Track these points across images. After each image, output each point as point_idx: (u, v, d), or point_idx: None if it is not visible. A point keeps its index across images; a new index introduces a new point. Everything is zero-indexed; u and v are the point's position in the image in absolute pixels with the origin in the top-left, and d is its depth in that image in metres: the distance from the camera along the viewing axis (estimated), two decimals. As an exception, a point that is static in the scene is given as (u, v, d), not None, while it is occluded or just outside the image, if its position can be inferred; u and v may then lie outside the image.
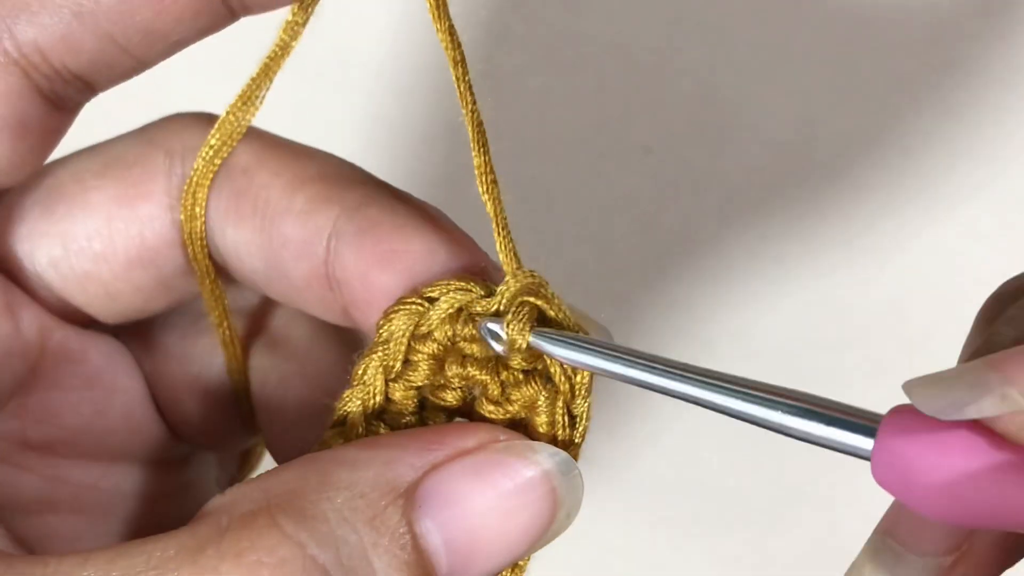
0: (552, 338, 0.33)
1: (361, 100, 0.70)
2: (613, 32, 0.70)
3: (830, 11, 0.70)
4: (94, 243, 0.37)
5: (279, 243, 0.36)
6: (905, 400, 0.29)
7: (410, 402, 0.34)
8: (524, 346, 0.33)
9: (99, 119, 0.39)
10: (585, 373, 0.34)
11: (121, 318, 0.39)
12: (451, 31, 0.33)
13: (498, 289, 0.34)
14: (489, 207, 0.34)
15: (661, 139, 0.69)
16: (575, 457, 0.34)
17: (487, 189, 0.34)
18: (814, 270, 0.69)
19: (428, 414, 0.35)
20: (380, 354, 0.34)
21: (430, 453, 0.31)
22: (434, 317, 0.33)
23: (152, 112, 0.39)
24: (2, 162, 0.35)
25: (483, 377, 0.34)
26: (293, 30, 0.36)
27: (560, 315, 0.33)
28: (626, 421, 0.68)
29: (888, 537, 0.32)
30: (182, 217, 0.37)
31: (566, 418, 0.34)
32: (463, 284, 0.34)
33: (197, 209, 0.36)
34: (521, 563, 0.34)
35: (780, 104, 0.69)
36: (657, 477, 0.68)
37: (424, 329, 0.34)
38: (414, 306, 0.34)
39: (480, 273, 0.35)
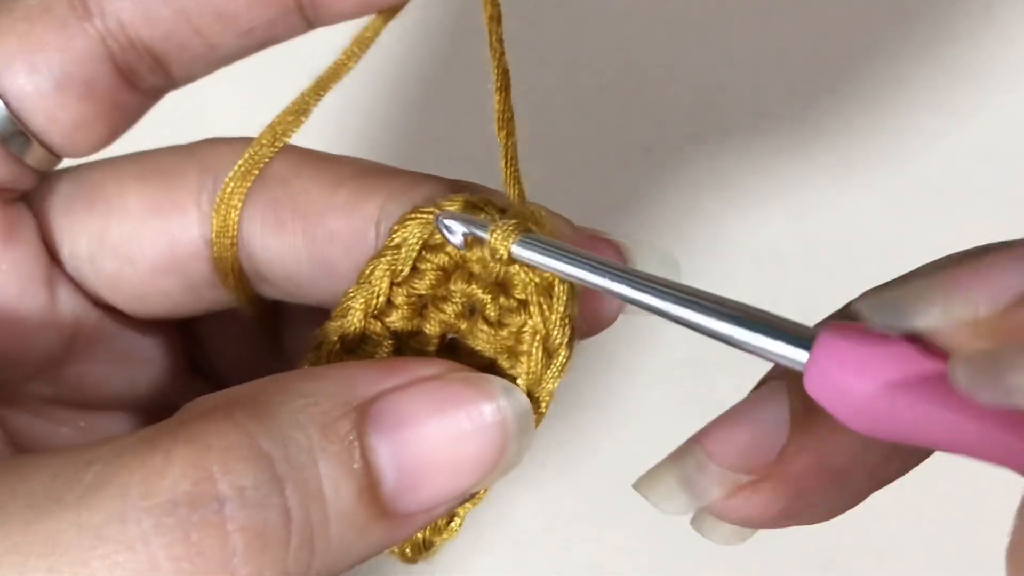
0: (532, 244, 0.33)
1: (360, 99, 0.70)
2: (613, 32, 0.70)
3: (830, 11, 0.70)
4: (125, 246, 0.37)
5: (325, 239, 0.36)
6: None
7: (410, 311, 0.35)
8: (504, 254, 0.33)
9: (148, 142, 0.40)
10: (567, 314, 0.34)
11: (151, 317, 0.40)
12: None
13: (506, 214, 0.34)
14: (501, 141, 0.35)
15: (661, 139, 0.70)
16: (548, 397, 0.34)
17: (503, 125, 0.35)
18: (814, 271, 0.69)
19: (414, 343, 0.36)
20: (389, 257, 0.35)
21: (390, 376, 0.32)
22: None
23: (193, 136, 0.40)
24: (66, 123, 0.36)
25: (484, 296, 0.34)
26: (361, 44, 0.37)
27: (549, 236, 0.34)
28: (626, 420, 0.68)
29: (697, 445, 0.33)
30: (213, 225, 0.37)
31: (540, 352, 0.34)
32: (479, 204, 0.34)
33: (231, 218, 0.37)
34: (479, 493, 0.34)
35: (780, 104, 0.69)
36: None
37: (438, 239, 0.34)
38: (431, 215, 0.34)
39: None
